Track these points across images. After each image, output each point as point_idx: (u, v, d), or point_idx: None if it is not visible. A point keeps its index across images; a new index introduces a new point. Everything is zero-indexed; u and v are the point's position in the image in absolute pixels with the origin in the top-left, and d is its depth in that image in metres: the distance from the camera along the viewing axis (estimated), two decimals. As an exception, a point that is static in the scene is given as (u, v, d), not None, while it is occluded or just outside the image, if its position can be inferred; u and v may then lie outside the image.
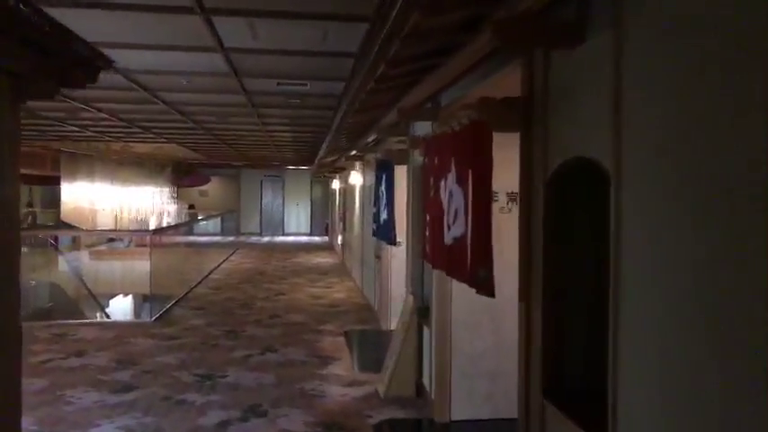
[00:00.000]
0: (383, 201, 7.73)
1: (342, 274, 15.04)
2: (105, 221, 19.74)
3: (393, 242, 7.04)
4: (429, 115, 5.38)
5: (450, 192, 4.35)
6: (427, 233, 5.16)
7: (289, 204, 29.57)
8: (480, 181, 3.45)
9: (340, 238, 17.87)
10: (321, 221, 28.55)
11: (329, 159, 13.98)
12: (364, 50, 5.41)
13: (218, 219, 25.90)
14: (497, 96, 3.45)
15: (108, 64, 3.19)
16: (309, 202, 29.56)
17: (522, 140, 3.28)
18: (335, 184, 19.49)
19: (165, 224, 23.81)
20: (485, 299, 3.29)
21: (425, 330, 6.11)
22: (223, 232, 28.43)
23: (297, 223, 29.60)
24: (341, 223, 17.32)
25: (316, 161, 14.69)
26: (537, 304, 3.15)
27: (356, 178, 12.75)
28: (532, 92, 3.17)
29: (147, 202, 22.13)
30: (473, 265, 3.64)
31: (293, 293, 12.22)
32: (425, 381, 5.99)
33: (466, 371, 5.44)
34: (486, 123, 3.33)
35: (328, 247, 22.45)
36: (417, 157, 6.06)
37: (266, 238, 27.56)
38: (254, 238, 27.32)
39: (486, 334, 5.47)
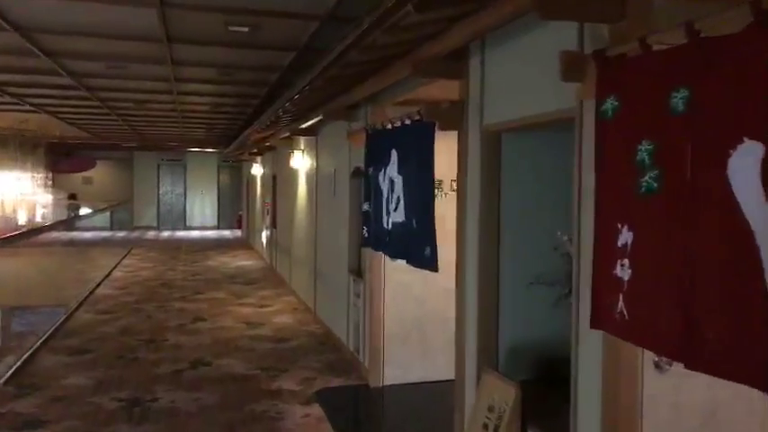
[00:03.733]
0: (397, 192, 4.72)
1: (276, 283, 11.80)
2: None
3: (433, 266, 4.06)
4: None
5: None
6: (620, 272, 2.25)
7: (192, 193, 25.60)
8: None
9: (265, 235, 14.58)
10: (231, 213, 24.84)
11: (259, 136, 10.70)
12: None
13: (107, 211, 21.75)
14: None
15: None
16: (216, 191, 25.74)
17: None
18: (256, 170, 16.08)
19: (39, 218, 19.45)
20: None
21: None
22: (113, 226, 24.17)
23: (202, 215, 25.70)
24: (268, 218, 14.03)
25: (242, 137, 11.33)
26: None
27: (301, 161, 9.59)
28: None
29: (11, 191, 17.65)
30: None
31: (217, 317, 8.92)
32: None
33: None
34: None
35: (244, 245, 18.99)
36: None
37: (166, 233, 23.55)
38: (151, 234, 23.26)
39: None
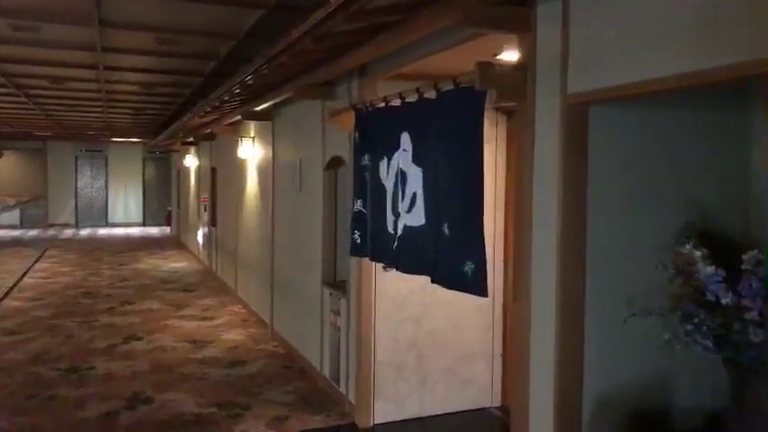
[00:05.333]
0: (412, 188, 3.63)
1: (218, 290, 10.43)
2: None
3: (479, 288, 3.00)
4: None
5: None
6: None
7: (114, 187, 23.50)
8: None
9: (202, 234, 13.11)
10: (159, 209, 22.95)
11: (201, 122, 9.30)
12: None
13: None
14: None
15: None
16: (142, 185, 23.74)
17: None
18: (190, 161, 14.51)
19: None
20: None
21: None
22: (23, 224, 21.84)
23: (125, 211, 23.65)
24: (205, 215, 12.57)
25: (179, 123, 9.87)
26: None
27: (251, 150, 8.30)
28: None
29: None
30: None
31: (155, 335, 7.53)
32: None
33: None
34: None
35: (176, 244, 17.33)
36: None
37: (85, 231, 21.44)
38: (68, 232, 21.10)
39: None
